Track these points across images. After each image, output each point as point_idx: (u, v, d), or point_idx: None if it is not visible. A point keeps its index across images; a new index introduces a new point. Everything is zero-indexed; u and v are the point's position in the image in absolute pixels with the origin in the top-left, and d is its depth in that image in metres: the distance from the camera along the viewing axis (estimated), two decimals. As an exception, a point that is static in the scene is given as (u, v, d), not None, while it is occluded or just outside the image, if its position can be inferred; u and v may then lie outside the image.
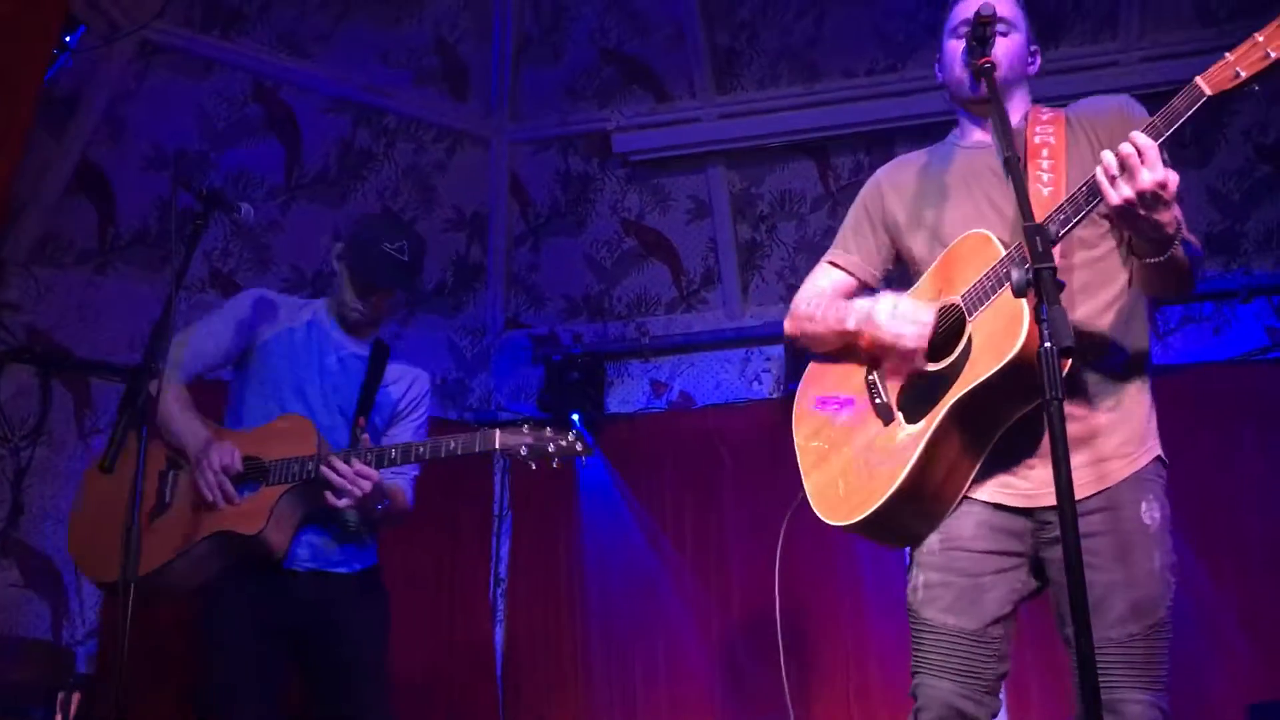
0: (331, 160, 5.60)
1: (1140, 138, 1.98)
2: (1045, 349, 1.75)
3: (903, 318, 2.32)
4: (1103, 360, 2.30)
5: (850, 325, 2.44)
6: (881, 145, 5.53)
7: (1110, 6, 5.25)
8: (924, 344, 2.30)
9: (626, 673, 5.54)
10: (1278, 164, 5.45)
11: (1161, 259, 2.10)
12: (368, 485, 3.00)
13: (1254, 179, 5.48)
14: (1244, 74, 1.93)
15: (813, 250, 5.18)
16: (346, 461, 3.01)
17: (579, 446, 2.99)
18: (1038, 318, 1.79)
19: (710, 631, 5.49)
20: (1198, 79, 1.98)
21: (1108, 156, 2.00)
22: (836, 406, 2.50)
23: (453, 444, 2.99)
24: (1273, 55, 1.90)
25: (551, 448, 2.96)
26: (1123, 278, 2.35)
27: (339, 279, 3.31)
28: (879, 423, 2.38)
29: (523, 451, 2.94)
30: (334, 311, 3.33)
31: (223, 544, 2.98)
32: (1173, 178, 1.97)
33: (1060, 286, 1.80)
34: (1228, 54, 1.96)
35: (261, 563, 3.02)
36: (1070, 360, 2.06)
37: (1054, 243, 1.95)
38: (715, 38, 5.57)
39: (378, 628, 3.19)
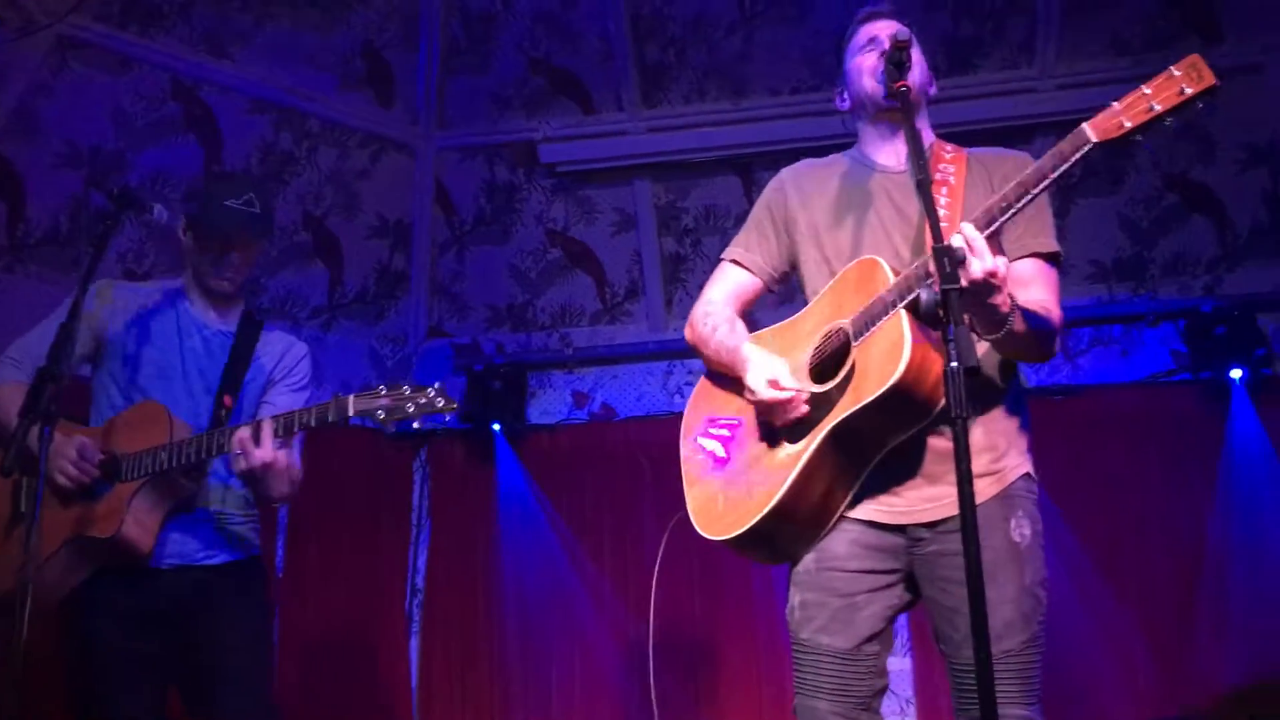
0: (252, 162, 5.51)
1: (967, 229, 2.04)
2: (951, 368, 1.78)
3: (773, 386, 2.31)
4: (978, 386, 2.32)
5: (745, 378, 2.39)
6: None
7: (1028, 34, 5.38)
8: (787, 416, 2.31)
9: (543, 685, 5.52)
10: (1185, 194, 5.63)
11: (997, 336, 2.15)
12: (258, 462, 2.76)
13: (1162, 207, 5.65)
14: (1129, 124, 1.97)
15: None
16: (217, 443, 2.80)
17: (440, 402, 2.72)
18: (944, 338, 1.81)
19: (628, 645, 5.48)
20: (1085, 125, 2.01)
21: (955, 240, 2.04)
22: (723, 422, 2.51)
23: (306, 416, 2.77)
24: (1157, 109, 1.94)
25: (411, 407, 2.71)
26: None
27: (189, 253, 3.09)
28: (762, 441, 2.39)
29: (380, 414, 2.71)
30: (193, 289, 3.10)
31: (83, 549, 2.82)
32: (1001, 264, 2.04)
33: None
34: (1115, 103, 1.99)
35: (128, 563, 2.85)
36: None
37: (961, 263, 1.98)
38: (644, 52, 5.59)
39: (252, 622, 3.00)
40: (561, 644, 5.53)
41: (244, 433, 2.75)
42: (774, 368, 2.35)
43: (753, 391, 2.34)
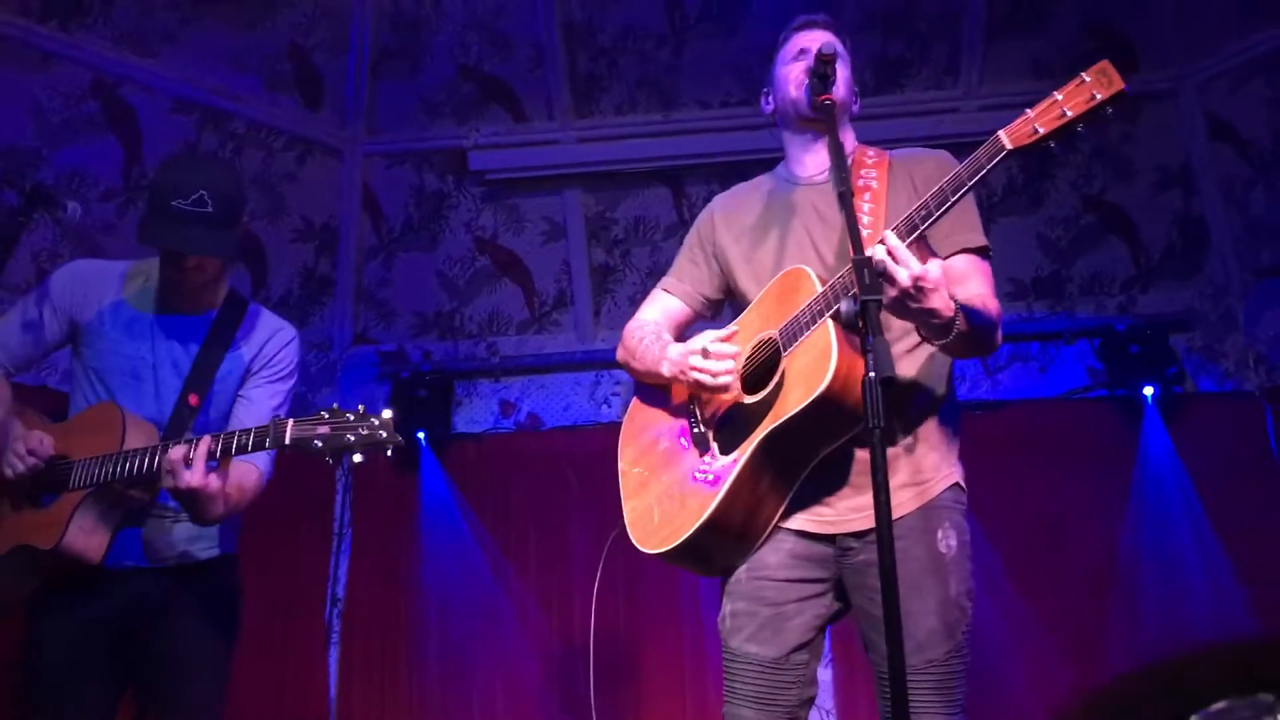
0: (174, 163, 5.40)
1: (889, 239, 2.04)
2: (869, 379, 1.79)
3: (706, 363, 2.34)
4: (905, 398, 2.36)
5: (665, 372, 2.46)
6: (735, 176, 5.50)
7: (952, 57, 5.51)
8: (717, 386, 2.33)
9: (464, 698, 5.46)
10: (1102, 214, 5.78)
11: (947, 340, 2.15)
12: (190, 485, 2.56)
13: (1080, 227, 5.81)
14: (1042, 130, 2.00)
15: (664, 276, 5.27)
16: (151, 466, 2.60)
17: (382, 434, 2.50)
18: (863, 348, 1.83)
19: (552, 658, 5.45)
20: (1000, 133, 2.04)
21: (878, 251, 2.04)
22: (658, 434, 2.52)
23: (244, 437, 2.57)
24: (1069, 114, 1.97)
25: (351, 437, 2.49)
26: None
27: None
28: (695, 452, 2.41)
29: (316, 444, 2.50)
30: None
31: (29, 557, 2.68)
32: (931, 269, 2.03)
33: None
34: (1029, 110, 2.01)
35: (78, 571, 2.68)
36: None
37: (881, 275, 2.01)
38: (576, 62, 5.60)
39: (211, 634, 2.83)
40: (484, 656, 5.49)
41: (176, 452, 2.56)
42: (698, 342, 2.38)
43: (681, 366, 2.37)
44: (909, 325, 2.36)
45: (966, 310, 2.17)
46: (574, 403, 6.04)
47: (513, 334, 6.12)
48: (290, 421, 2.56)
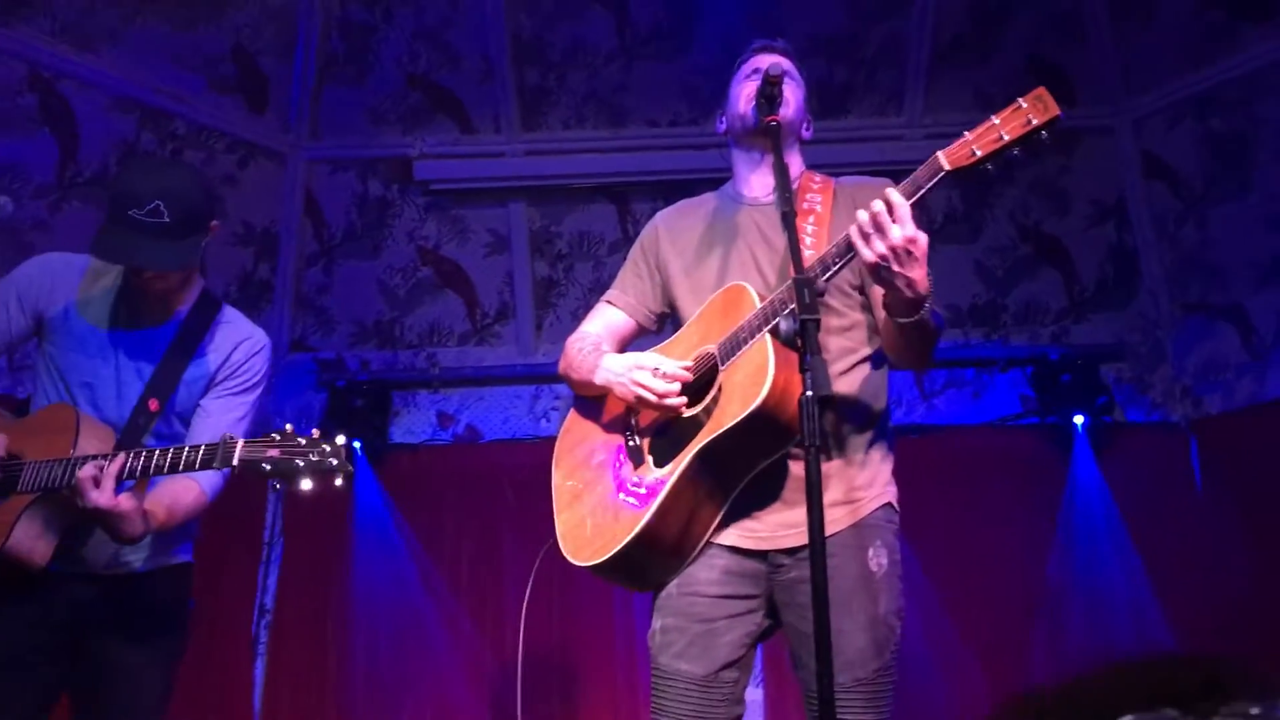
0: (111, 162, 5.30)
1: (893, 194, 2.05)
2: (806, 397, 1.81)
3: (654, 381, 2.34)
4: (840, 417, 2.39)
5: (598, 380, 2.47)
6: (680, 194, 5.54)
7: (897, 85, 5.60)
8: (661, 406, 2.33)
9: (392, 716, 5.38)
10: (1037, 245, 5.91)
11: (914, 319, 2.16)
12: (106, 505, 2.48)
13: (1016, 257, 5.93)
14: (979, 153, 2.03)
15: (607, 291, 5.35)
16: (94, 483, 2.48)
17: (334, 462, 2.43)
18: (801, 367, 1.85)
19: (483, 674, 5.41)
20: (939, 154, 2.07)
21: (862, 214, 2.07)
22: (593, 448, 2.52)
23: (191, 454, 2.49)
24: (1005, 138, 2.01)
25: (300, 463, 2.42)
26: (869, 346, 2.46)
27: None
28: (630, 465, 2.41)
29: (265, 467, 2.42)
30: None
31: None
32: (922, 236, 2.05)
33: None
34: (967, 133, 2.06)
35: (23, 573, 2.60)
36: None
37: (821, 295, 2.03)
38: (525, 75, 5.61)
39: (154, 646, 2.74)
40: (414, 671, 5.43)
41: (87, 471, 2.46)
42: (641, 357, 2.40)
43: (624, 377, 2.37)
44: (848, 345, 2.41)
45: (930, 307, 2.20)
46: (513, 416, 6.03)
47: (453, 345, 6.09)
48: (240, 441, 2.48)
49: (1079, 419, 5.59)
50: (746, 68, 2.58)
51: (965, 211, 5.84)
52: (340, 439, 2.47)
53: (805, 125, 2.61)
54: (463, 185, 5.78)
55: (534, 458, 5.74)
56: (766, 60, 2.54)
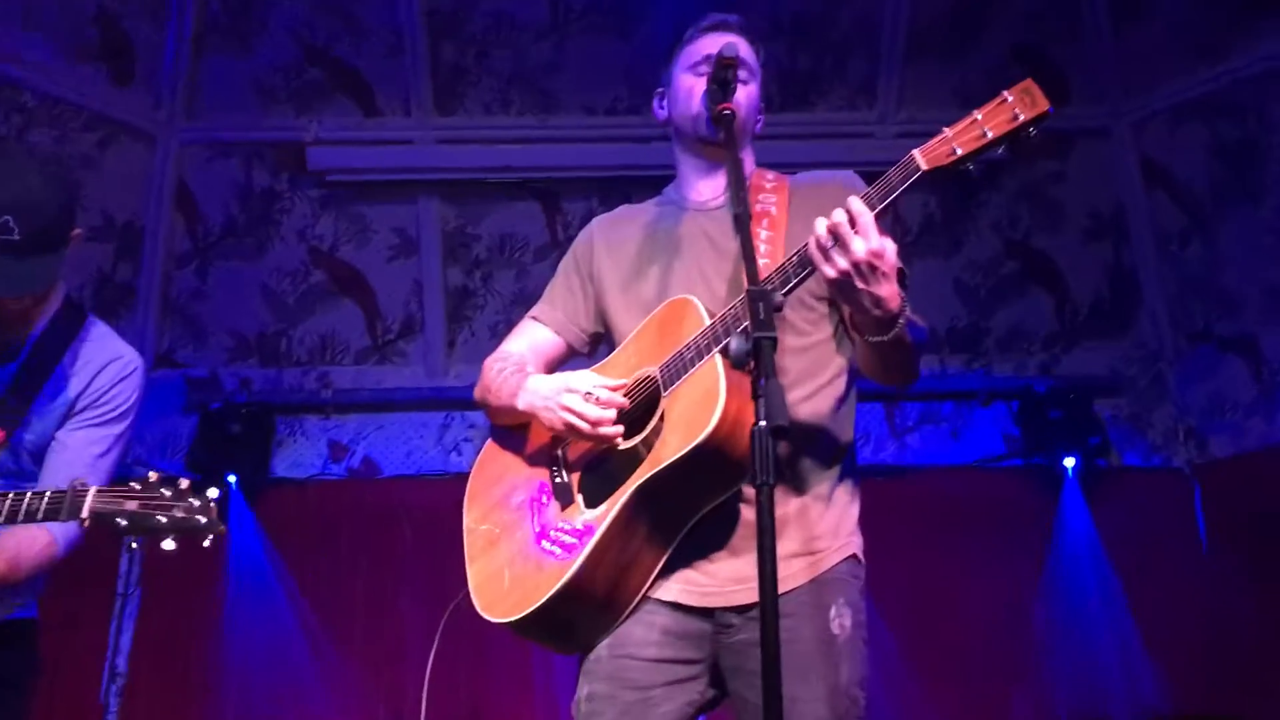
0: (-58, 141, 5.22)
1: (855, 204, 2.07)
2: (758, 428, 1.81)
3: (586, 407, 2.33)
4: (798, 452, 2.37)
5: (520, 405, 2.44)
6: (619, 194, 5.63)
7: (869, 75, 5.70)
8: (593, 435, 2.32)
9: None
10: (1026, 261, 6.03)
11: (886, 338, 2.17)
12: None
13: (1000, 275, 6.04)
14: (960, 151, 2.06)
15: (532, 306, 5.36)
16: None
17: (202, 521, 2.38)
18: (754, 393, 1.86)
19: (377, 743, 5.37)
20: (915, 152, 2.09)
21: (820, 225, 2.08)
22: (513, 485, 2.50)
23: (32, 503, 2.44)
24: (989, 135, 2.05)
25: (163, 519, 2.36)
26: (834, 367, 2.46)
27: None
28: (556, 506, 2.39)
29: (120, 522, 2.37)
30: None
31: None
32: (889, 247, 2.06)
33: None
34: (946, 129, 2.08)
35: None
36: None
37: (779, 310, 2.04)
38: (440, 51, 5.61)
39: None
40: (295, 744, 5.36)
41: None
42: (571, 378, 2.39)
43: (550, 402, 2.36)
44: (809, 368, 2.43)
45: (909, 321, 2.21)
46: (418, 448, 6.00)
47: (349, 364, 6.06)
48: (92, 490, 2.42)
49: (1069, 461, 5.69)
50: (694, 52, 2.56)
51: (944, 221, 5.93)
52: (213, 492, 2.42)
53: (757, 118, 2.63)
54: (365, 176, 5.77)
55: (442, 497, 5.68)
56: (718, 42, 2.51)
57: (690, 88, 2.52)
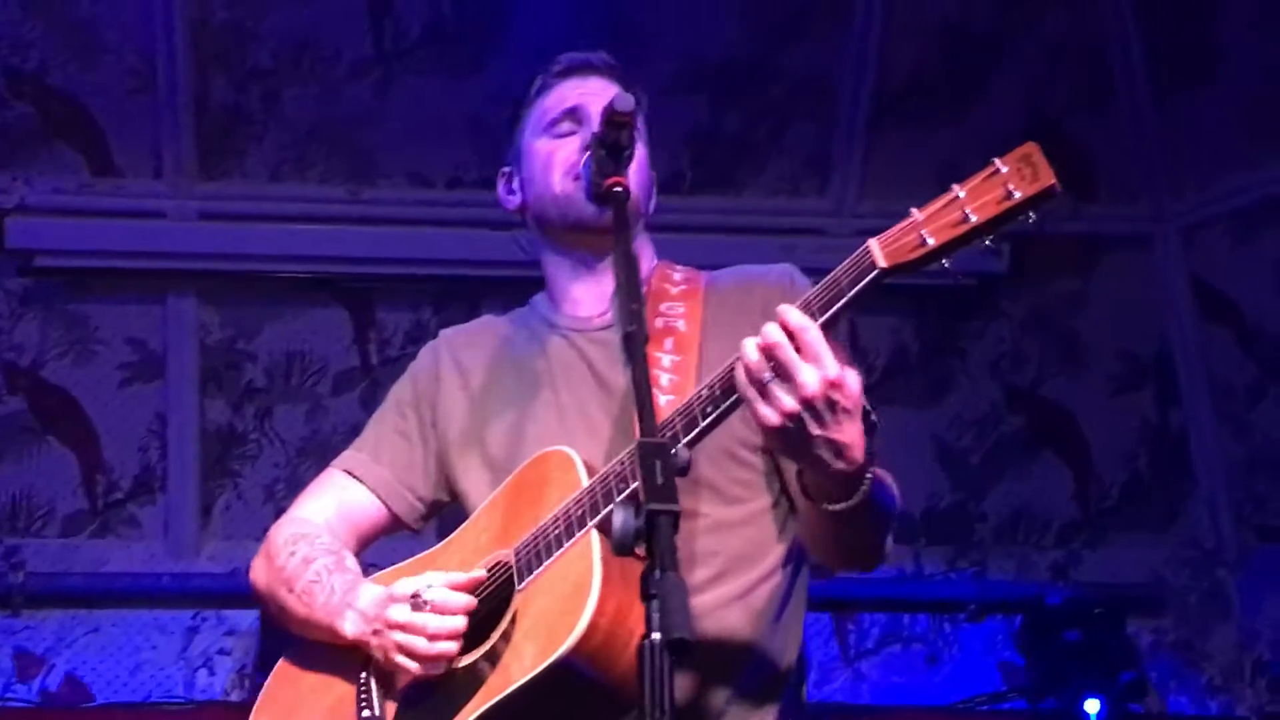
0: None
1: (791, 315, 2.06)
2: (650, 643, 1.76)
3: (417, 618, 2.31)
4: (725, 679, 2.37)
5: (348, 633, 2.42)
6: (461, 300, 5.67)
7: (820, 146, 5.77)
8: (429, 656, 2.31)
9: None
10: (1035, 417, 6.08)
11: (851, 503, 2.16)
12: None
13: (1001, 434, 6.07)
14: (933, 242, 2.05)
15: (329, 457, 5.29)
16: None
17: None
18: (644, 592, 1.82)
19: None
20: (871, 242, 2.09)
21: (749, 348, 2.06)
22: None
23: None
24: (973, 219, 2.02)
25: None
26: (775, 554, 2.46)
27: None
28: None
29: None
30: None
31: None
32: (850, 377, 2.06)
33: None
34: (916, 210, 2.07)
35: None
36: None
37: (684, 473, 2.00)
38: (210, 88, 5.57)
39: None
40: None
41: None
42: (406, 585, 2.35)
43: (376, 623, 2.33)
44: (739, 556, 2.42)
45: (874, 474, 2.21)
46: (149, 662, 5.88)
47: (53, 536, 5.96)
48: None
49: (1093, 706, 5.65)
50: (549, 108, 2.62)
51: (923, 356, 5.97)
52: None
53: (649, 197, 2.66)
54: (90, 262, 5.71)
55: None
56: (586, 91, 2.59)
57: (550, 156, 2.56)
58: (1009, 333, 6.00)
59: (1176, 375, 5.97)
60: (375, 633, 2.36)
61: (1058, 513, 6.12)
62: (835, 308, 2.09)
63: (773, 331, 2.04)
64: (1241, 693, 5.96)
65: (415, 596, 2.32)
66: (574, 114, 2.56)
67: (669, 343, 2.46)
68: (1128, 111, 5.72)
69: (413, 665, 2.30)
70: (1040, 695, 5.83)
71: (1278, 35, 5.46)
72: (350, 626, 2.41)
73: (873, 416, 2.23)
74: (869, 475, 2.15)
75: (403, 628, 2.30)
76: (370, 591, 2.43)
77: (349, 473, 2.65)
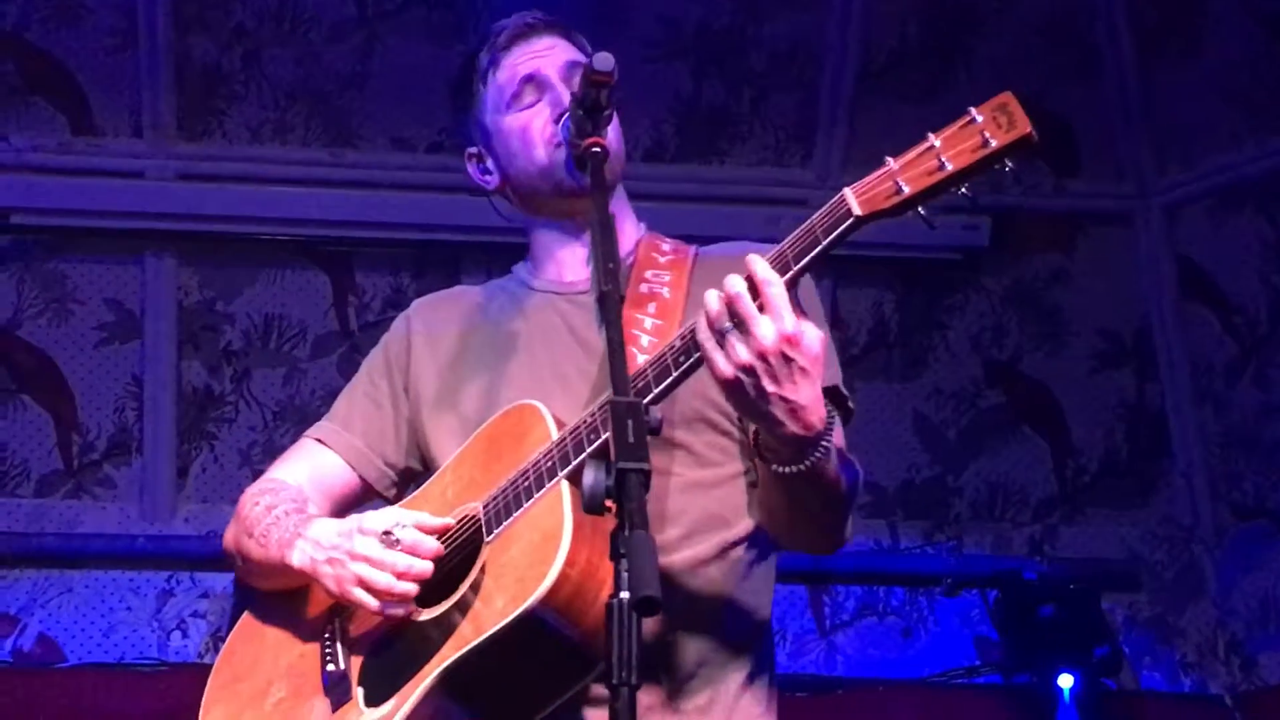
0: None
1: (758, 266, 2.08)
2: (618, 601, 1.77)
3: (386, 555, 2.29)
4: (683, 641, 2.37)
5: (295, 562, 2.40)
6: (441, 264, 5.70)
7: (804, 116, 5.79)
8: (392, 595, 2.29)
9: None
10: (1014, 392, 6.11)
11: (800, 467, 2.16)
12: None
13: (978, 411, 6.11)
14: (909, 190, 2.08)
15: (307, 421, 5.33)
16: None
17: None
18: (614, 550, 1.82)
19: None
20: (846, 190, 2.10)
21: (710, 298, 2.08)
22: (270, 679, 2.48)
23: None
24: (949, 167, 2.05)
25: None
26: (742, 526, 2.44)
27: None
28: (327, 706, 2.36)
29: None
30: None
31: None
32: (810, 333, 2.07)
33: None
34: (891, 160, 2.10)
35: None
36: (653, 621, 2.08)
37: (655, 432, 2.00)
38: (191, 48, 5.58)
39: None
40: None
41: None
42: (369, 518, 2.35)
43: (339, 552, 2.32)
44: (712, 516, 2.42)
45: (836, 449, 2.20)
46: (122, 624, 5.88)
47: (27, 495, 5.97)
48: None
49: (1066, 681, 5.67)
50: (508, 77, 2.61)
51: (903, 330, 6.00)
52: None
53: (620, 163, 2.64)
54: (68, 221, 5.73)
55: (162, 699, 5.61)
56: (541, 54, 2.59)
57: (525, 130, 2.56)
58: (990, 307, 6.02)
59: (1156, 352, 6.01)
60: (330, 561, 2.35)
61: (1035, 488, 6.15)
62: (810, 255, 2.11)
63: (734, 283, 2.06)
64: (1215, 670, 6.00)
65: (387, 534, 2.31)
66: (532, 80, 2.56)
67: (652, 307, 2.46)
68: (1112, 86, 5.74)
69: (371, 601, 2.28)
70: (1015, 670, 5.86)
71: (1263, 9, 5.46)
72: (297, 556, 2.40)
73: (850, 403, 2.28)
74: (824, 444, 2.14)
75: (369, 561, 2.29)
76: (326, 524, 2.43)
77: (320, 441, 2.66)
